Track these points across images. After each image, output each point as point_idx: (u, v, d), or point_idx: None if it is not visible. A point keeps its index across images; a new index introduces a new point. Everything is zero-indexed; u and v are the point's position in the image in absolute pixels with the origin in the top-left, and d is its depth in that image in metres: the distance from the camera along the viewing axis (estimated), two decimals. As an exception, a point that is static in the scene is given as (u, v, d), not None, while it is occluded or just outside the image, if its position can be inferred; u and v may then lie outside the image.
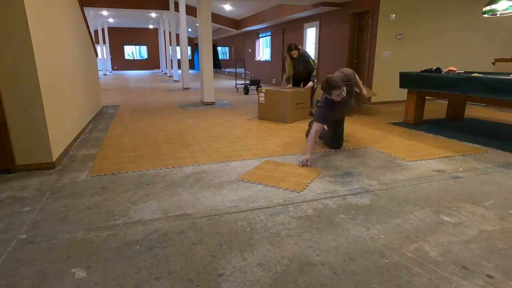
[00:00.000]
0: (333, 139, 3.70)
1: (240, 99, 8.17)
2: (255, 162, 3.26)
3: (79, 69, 4.60)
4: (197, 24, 9.70)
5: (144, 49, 24.39)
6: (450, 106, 5.33)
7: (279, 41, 11.71)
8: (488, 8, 4.82)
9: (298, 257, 1.71)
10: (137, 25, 22.30)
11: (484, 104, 4.91)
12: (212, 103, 7.21)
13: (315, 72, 5.33)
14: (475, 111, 6.23)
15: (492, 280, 1.53)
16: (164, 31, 16.31)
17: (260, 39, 14.24)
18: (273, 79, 12.31)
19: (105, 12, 15.10)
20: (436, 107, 6.66)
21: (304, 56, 5.35)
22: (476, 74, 4.13)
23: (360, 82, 3.81)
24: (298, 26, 10.28)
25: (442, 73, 4.64)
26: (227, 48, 20.33)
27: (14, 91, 2.81)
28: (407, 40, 7.08)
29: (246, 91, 9.39)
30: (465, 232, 1.96)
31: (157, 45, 23.37)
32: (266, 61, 13.20)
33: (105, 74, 18.09)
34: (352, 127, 4.86)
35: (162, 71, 20.84)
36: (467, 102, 5.39)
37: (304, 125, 4.99)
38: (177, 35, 14.63)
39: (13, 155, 2.92)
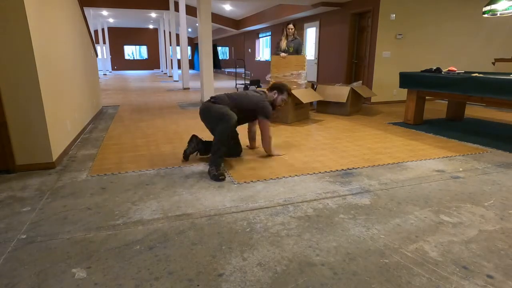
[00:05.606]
0: (237, 145, 3.46)
1: (240, 99, 8.16)
2: (254, 162, 3.26)
3: (79, 69, 4.60)
4: (197, 24, 9.69)
5: (144, 49, 24.38)
6: (450, 106, 5.34)
7: (279, 41, 11.69)
8: (488, 8, 4.82)
9: (298, 257, 1.71)
10: (137, 25, 22.29)
11: (484, 104, 4.91)
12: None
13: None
14: (475, 111, 6.23)
15: (492, 280, 1.53)
16: (164, 31, 16.31)
17: (260, 39, 14.23)
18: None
19: (105, 12, 15.09)
20: (436, 107, 6.66)
21: (298, 42, 5.70)
22: (476, 74, 4.13)
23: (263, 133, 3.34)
24: (298, 26, 10.24)
25: (442, 73, 4.64)
26: (227, 48, 20.33)
27: (14, 91, 2.80)
28: (407, 40, 7.08)
29: (246, 91, 9.38)
30: (465, 232, 1.96)
31: (157, 45, 23.36)
32: (266, 61, 13.20)
33: (105, 74, 18.08)
34: (352, 127, 4.86)
35: (162, 71, 20.83)
36: (467, 102, 5.40)
37: (304, 125, 4.99)
38: (177, 35, 14.62)
39: (13, 155, 2.92)
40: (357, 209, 2.26)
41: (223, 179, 2.78)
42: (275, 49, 5.86)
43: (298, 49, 5.73)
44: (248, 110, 3.24)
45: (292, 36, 5.69)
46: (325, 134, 4.42)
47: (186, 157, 3.31)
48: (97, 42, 17.94)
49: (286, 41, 5.71)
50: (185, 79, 10.63)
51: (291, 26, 5.68)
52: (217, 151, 2.93)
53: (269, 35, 12.86)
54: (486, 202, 2.37)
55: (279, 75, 5.35)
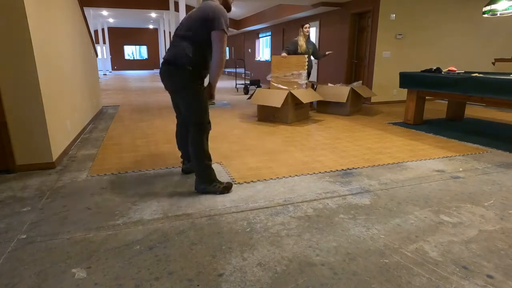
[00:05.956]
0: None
1: (240, 99, 8.17)
2: (254, 162, 3.26)
3: (79, 69, 4.59)
4: (197, 24, 9.68)
5: (144, 49, 24.37)
6: (450, 106, 5.34)
7: (279, 41, 11.70)
8: (488, 8, 4.82)
9: (298, 257, 1.71)
10: (137, 25, 22.27)
11: (484, 104, 4.91)
12: (212, 103, 7.21)
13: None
14: (475, 111, 6.23)
15: (492, 280, 1.53)
16: (164, 31, 16.29)
17: (260, 39, 14.23)
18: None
19: (105, 12, 15.09)
20: (436, 107, 6.66)
21: (314, 43, 5.96)
22: (476, 74, 4.13)
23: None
24: (298, 26, 10.27)
25: (442, 73, 4.64)
26: (227, 48, 20.34)
27: (14, 91, 2.80)
28: (407, 40, 7.08)
29: (246, 91, 9.39)
30: (465, 232, 1.96)
31: (157, 45, 23.33)
32: (266, 61, 13.19)
33: (105, 74, 18.07)
34: (352, 127, 4.86)
35: (162, 71, 20.79)
36: (467, 102, 5.40)
37: (304, 125, 4.99)
38: (177, 35, 14.60)
39: (13, 155, 2.92)
40: (357, 209, 2.26)
41: (231, 186, 2.57)
42: (291, 48, 5.73)
43: (314, 52, 5.83)
44: (204, 38, 2.37)
45: (306, 37, 5.83)
46: (325, 134, 4.43)
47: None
48: (97, 42, 17.92)
49: (305, 42, 5.80)
50: (185, 79, 10.60)
51: (307, 26, 5.78)
52: (204, 169, 2.49)
53: (269, 35, 12.86)
54: (486, 202, 2.37)
55: (280, 75, 5.36)
